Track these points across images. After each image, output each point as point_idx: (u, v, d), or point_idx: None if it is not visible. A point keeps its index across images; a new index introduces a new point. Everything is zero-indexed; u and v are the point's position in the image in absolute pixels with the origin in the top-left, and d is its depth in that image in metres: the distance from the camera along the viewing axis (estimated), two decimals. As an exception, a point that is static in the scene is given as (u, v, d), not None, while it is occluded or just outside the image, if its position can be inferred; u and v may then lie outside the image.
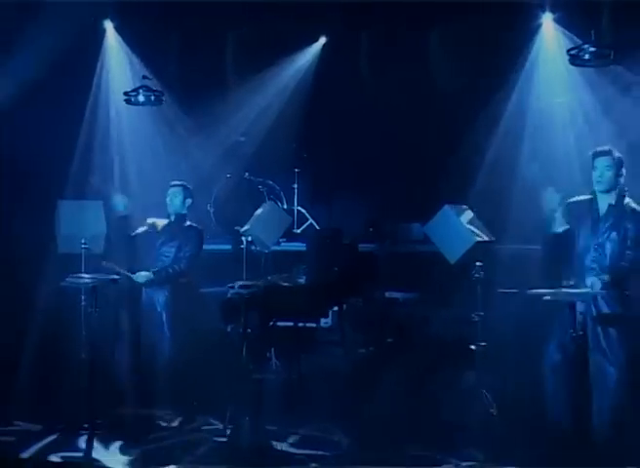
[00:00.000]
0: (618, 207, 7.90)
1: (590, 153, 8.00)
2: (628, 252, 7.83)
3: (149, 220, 9.49)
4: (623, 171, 7.91)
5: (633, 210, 7.87)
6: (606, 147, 8.01)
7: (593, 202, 7.98)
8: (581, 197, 8.07)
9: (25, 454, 8.26)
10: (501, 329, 8.86)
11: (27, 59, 10.32)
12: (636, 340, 7.84)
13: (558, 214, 8.23)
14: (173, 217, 9.47)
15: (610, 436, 7.64)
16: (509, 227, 9.29)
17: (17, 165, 10.82)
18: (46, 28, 10.06)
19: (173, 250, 9.41)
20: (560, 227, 8.15)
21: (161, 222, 9.46)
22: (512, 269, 9.07)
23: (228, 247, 9.97)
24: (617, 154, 7.93)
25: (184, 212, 9.47)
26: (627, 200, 7.89)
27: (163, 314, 9.34)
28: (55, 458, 8.15)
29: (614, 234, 7.88)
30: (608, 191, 7.92)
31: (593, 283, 7.80)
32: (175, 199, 9.43)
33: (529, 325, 8.43)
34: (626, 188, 7.90)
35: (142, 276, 9.30)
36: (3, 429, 8.94)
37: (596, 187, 7.93)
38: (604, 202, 7.92)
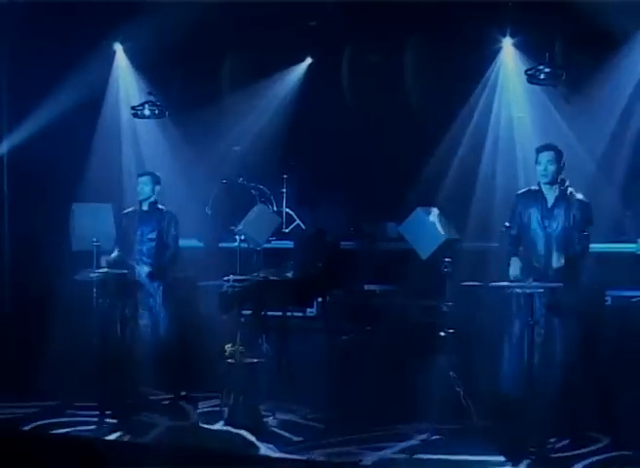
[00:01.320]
0: (563, 197, 7.95)
1: (535, 148, 8.05)
2: (576, 243, 7.87)
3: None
4: (564, 164, 7.96)
5: (578, 199, 7.94)
6: (548, 142, 8.08)
7: (539, 193, 8.03)
8: (528, 188, 8.13)
9: (40, 429, 8.33)
10: (467, 317, 8.90)
11: (46, 75, 10.35)
12: (585, 327, 7.93)
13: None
14: (145, 205, 9.45)
15: (555, 407, 7.75)
16: (474, 227, 9.31)
17: (35, 173, 10.84)
18: (63, 49, 10.08)
19: (154, 234, 9.40)
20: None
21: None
22: (477, 264, 9.11)
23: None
24: (558, 148, 8.00)
25: (155, 198, 9.46)
26: (571, 189, 7.95)
27: (164, 305, 9.40)
28: (67, 433, 8.26)
29: (563, 220, 7.92)
30: (552, 183, 7.98)
31: (558, 257, 7.84)
32: (145, 187, 9.41)
33: (492, 314, 8.44)
34: (567, 181, 7.96)
35: (145, 271, 9.31)
36: (24, 404, 9.05)
37: (541, 180, 8.01)
38: (550, 193, 8.00)
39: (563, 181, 7.98)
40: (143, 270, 9.35)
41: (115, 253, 9.34)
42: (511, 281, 7.86)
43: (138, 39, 10.84)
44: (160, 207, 9.49)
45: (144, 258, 9.38)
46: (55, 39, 10.19)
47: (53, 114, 10.64)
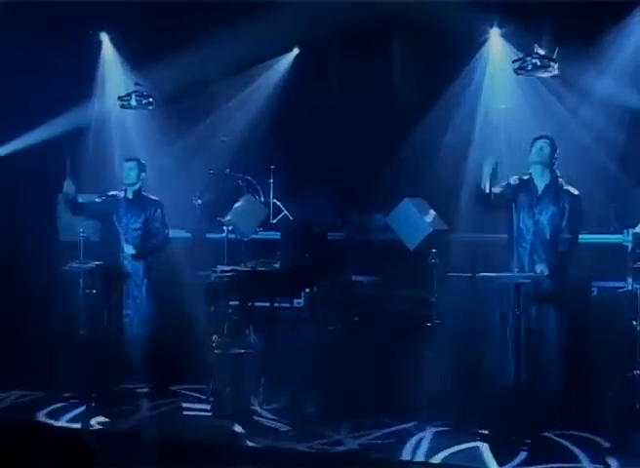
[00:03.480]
0: (554, 186, 7.93)
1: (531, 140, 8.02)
2: (565, 236, 7.86)
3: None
4: (557, 156, 7.94)
5: (568, 191, 7.93)
6: (541, 133, 8.07)
7: (531, 181, 8.00)
8: (519, 177, 8.07)
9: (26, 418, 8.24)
10: (454, 308, 8.86)
11: (34, 66, 10.27)
12: (571, 317, 7.91)
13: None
14: (130, 192, 9.35)
15: (540, 394, 7.73)
16: (461, 218, 9.27)
17: (22, 164, 10.78)
18: (50, 39, 9.99)
19: (140, 222, 9.33)
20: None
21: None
22: (463, 255, 9.07)
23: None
24: (554, 140, 8.00)
25: (139, 185, 9.37)
26: (561, 181, 7.93)
27: (150, 295, 9.32)
28: (55, 423, 8.16)
29: (552, 209, 7.92)
30: (543, 169, 7.92)
31: (542, 269, 7.82)
32: (131, 172, 9.31)
33: (478, 304, 8.39)
34: (558, 172, 7.93)
35: (130, 248, 9.21)
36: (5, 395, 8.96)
37: (533, 160, 7.98)
38: (540, 181, 7.96)
39: (554, 172, 7.94)
40: (129, 250, 9.25)
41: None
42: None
43: (124, 29, 10.80)
44: (144, 194, 9.39)
45: (130, 245, 9.29)
46: (41, 30, 10.10)
47: (39, 106, 10.55)
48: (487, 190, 7.76)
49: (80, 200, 9.26)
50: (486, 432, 7.51)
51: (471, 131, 10.34)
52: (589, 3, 9.12)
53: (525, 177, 8.06)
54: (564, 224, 7.88)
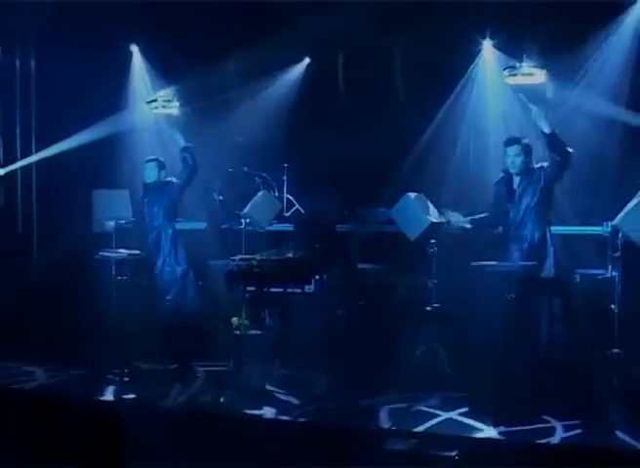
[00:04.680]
0: (529, 179, 7.95)
1: (503, 142, 8.06)
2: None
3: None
4: (532, 155, 7.98)
5: (540, 166, 7.97)
6: (515, 136, 8.09)
7: (508, 181, 8.07)
8: (501, 176, 8.15)
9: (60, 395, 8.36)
10: (452, 293, 8.95)
11: (72, 74, 10.38)
12: (555, 302, 7.98)
13: None
14: (152, 187, 9.50)
15: (529, 370, 7.83)
16: (458, 210, 9.30)
17: (60, 164, 10.89)
18: (86, 50, 10.10)
19: (162, 205, 9.44)
20: None
21: None
22: (460, 245, 9.13)
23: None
24: (525, 141, 8.00)
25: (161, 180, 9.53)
26: (535, 165, 7.98)
27: (175, 282, 9.43)
28: (87, 399, 8.16)
29: (531, 191, 7.92)
30: (520, 174, 7.99)
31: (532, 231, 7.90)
32: (152, 172, 9.48)
33: (473, 290, 8.47)
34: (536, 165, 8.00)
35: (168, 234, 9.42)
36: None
37: (511, 170, 8.03)
38: (517, 179, 8.03)
39: (532, 170, 8.00)
40: (167, 232, 9.39)
41: None
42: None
43: (151, 41, 10.89)
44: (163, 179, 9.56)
45: (160, 216, 9.42)
46: (76, 41, 10.22)
47: (76, 111, 10.66)
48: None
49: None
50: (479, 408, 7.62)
51: (467, 132, 10.36)
52: (574, 14, 9.14)
53: (503, 176, 8.12)
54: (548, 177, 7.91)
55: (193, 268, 9.74)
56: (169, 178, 9.54)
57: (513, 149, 7.98)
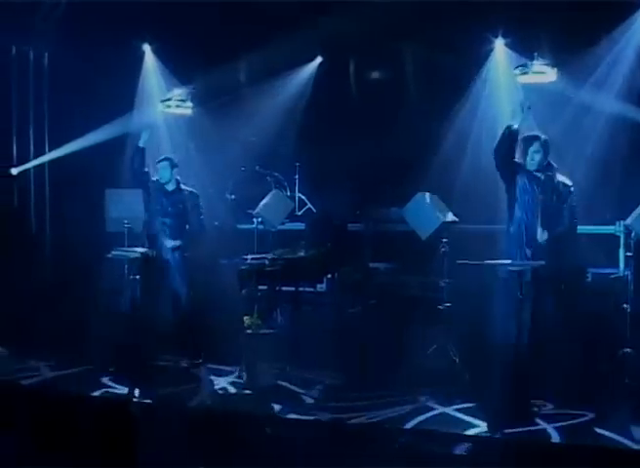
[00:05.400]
0: (549, 179, 7.88)
1: (520, 139, 7.94)
2: (563, 223, 7.86)
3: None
4: (549, 151, 7.89)
5: (562, 182, 7.91)
6: (533, 133, 8.02)
7: (530, 176, 7.93)
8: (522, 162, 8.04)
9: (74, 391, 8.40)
10: (463, 292, 8.93)
11: (84, 74, 10.42)
12: (567, 301, 7.96)
13: None
14: (170, 186, 9.39)
15: (540, 369, 7.83)
16: (469, 210, 9.30)
17: (73, 164, 10.92)
18: (99, 50, 10.14)
19: (178, 210, 9.36)
20: None
21: None
22: (472, 244, 9.11)
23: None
24: (543, 137, 7.92)
25: (175, 180, 9.44)
26: (556, 173, 7.91)
27: (187, 281, 9.43)
28: (98, 395, 8.34)
29: (548, 201, 7.85)
30: (539, 171, 7.94)
31: (542, 234, 7.81)
32: (165, 171, 9.38)
33: (485, 289, 8.44)
34: (555, 165, 7.92)
35: (170, 245, 9.32)
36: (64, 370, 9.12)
37: (529, 168, 7.94)
38: (537, 178, 7.94)
39: (550, 166, 7.96)
40: (169, 244, 9.35)
41: None
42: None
43: (164, 42, 10.91)
44: (183, 187, 9.49)
45: (167, 231, 9.38)
46: (89, 41, 10.26)
47: (89, 110, 10.69)
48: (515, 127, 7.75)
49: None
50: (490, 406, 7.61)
51: (480, 131, 10.33)
52: (585, 13, 9.12)
53: (524, 166, 8.05)
54: (559, 211, 7.88)
55: (205, 267, 9.77)
56: (190, 189, 9.50)
57: (533, 146, 7.90)
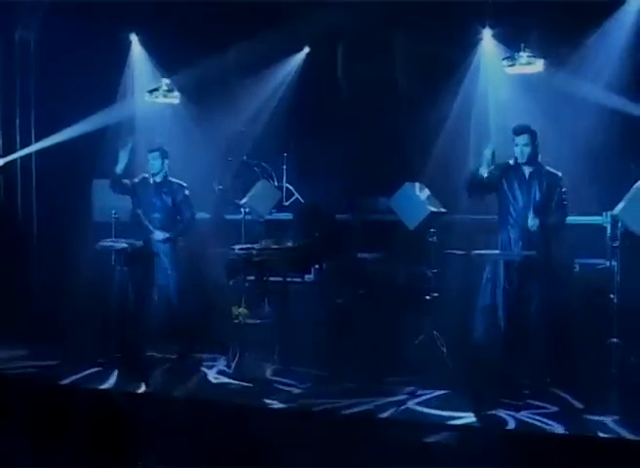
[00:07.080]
0: (537, 171, 7.98)
1: (511, 129, 8.01)
2: (552, 215, 7.92)
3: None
4: (538, 143, 7.96)
5: (550, 172, 7.99)
6: (523, 124, 8.04)
7: (519, 168, 8.03)
8: (507, 163, 8.12)
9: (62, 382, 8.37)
10: (450, 282, 8.94)
11: (71, 63, 10.36)
12: (554, 291, 7.98)
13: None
14: (158, 178, 9.37)
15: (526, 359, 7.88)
16: (457, 200, 9.30)
17: (60, 153, 10.86)
18: (85, 40, 10.08)
19: (168, 203, 9.34)
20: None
21: None
22: (460, 234, 9.13)
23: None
24: (532, 130, 7.96)
25: (165, 172, 9.40)
26: (545, 165, 8.00)
27: (175, 271, 9.39)
28: (86, 386, 8.32)
29: (537, 192, 7.94)
30: (528, 163, 7.96)
31: (533, 223, 7.86)
32: (155, 161, 9.33)
33: (472, 279, 8.46)
34: (540, 157, 7.99)
35: (160, 237, 9.27)
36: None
37: (518, 160, 7.97)
38: (526, 169, 8.02)
39: (536, 158, 7.98)
40: (159, 236, 9.31)
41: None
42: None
43: (151, 30, 10.85)
44: (171, 179, 9.46)
45: (157, 224, 9.34)
46: (75, 31, 10.19)
47: (76, 102, 10.63)
48: (484, 175, 7.85)
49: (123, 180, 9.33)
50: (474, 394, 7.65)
51: (468, 121, 10.32)
52: (572, 4, 9.11)
53: (512, 163, 8.09)
54: (551, 204, 7.91)
55: (193, 258, 9.75)
56: (178, 181, 9.47)
57: (523, 138, 7.94)
